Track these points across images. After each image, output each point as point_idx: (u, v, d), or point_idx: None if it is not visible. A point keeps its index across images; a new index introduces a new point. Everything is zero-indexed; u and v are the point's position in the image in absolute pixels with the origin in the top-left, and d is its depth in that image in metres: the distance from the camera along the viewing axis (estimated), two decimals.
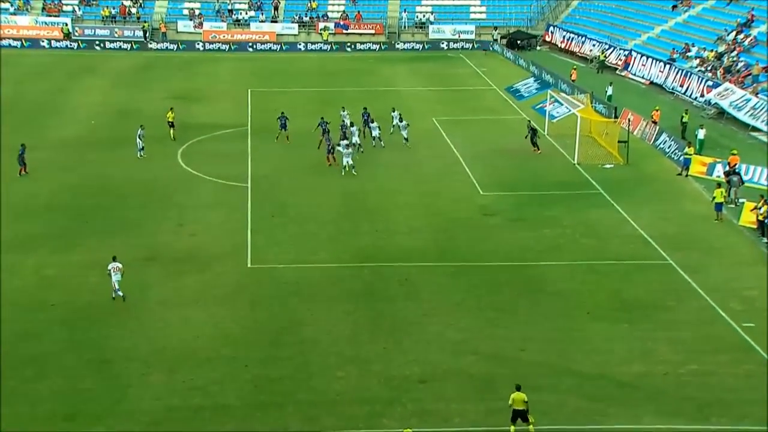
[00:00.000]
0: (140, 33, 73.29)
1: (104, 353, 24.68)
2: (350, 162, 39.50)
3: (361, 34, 74.83)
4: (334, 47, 72.72)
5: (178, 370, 23.81)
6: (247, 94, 55.42)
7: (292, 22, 75.53)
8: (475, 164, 41.32)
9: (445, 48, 73.75)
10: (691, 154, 39.58)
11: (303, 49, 72.89)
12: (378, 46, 73.28)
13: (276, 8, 76.77)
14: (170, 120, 44.88)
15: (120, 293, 27.48)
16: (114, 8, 75.55)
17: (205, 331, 25.86)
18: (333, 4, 78.18)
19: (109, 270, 27.52)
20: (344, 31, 75.10)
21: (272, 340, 25.47)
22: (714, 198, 34.92)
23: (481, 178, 39.45)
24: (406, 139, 43.26)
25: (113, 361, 24.26)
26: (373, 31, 75.59)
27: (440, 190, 38.16)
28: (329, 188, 38.07)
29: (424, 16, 76.93)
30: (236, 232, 33.07)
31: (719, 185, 35.82)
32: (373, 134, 43.84)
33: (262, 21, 75.42)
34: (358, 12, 76.56)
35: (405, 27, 76.74)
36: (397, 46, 73.80)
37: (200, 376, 23.54)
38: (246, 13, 76.20)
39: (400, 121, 44.44)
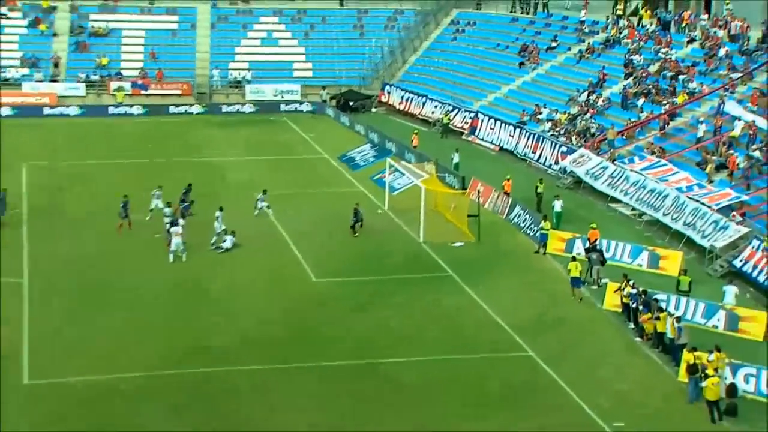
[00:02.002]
0: None
1: None
2: (180, 245, 39.65)
3: (164, 95, 74.71)
4: (143, 110, 72.14)
5: None
6: (22, 170, 53.61)
7: (78, 82, 74.33)
8: (306, 247, 41.85)
9: (301, 110, 74.78)
10: (547, 229, 41.62)
11: (106, 113, 71.79)
12: (197, 109, 73.45)
13: (56, 65, 75.29)
14: None
15: None
16: None
17: None
18: (128, 60, 77.79)
19: None
20: (143, 92, 74.74)
21: None
22: (569, 271, 36.87)
23: (313, 262, 39.98)
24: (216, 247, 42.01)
25: None
26: (179, 91, 75.68)
27: (266, 279, 38.33)
28: (118, 281, 37.63)
29: (239, 73, 77.94)
30: (10, 338, 31.78)
31: (574, 258, 37.78)
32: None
33: (38, 81, 73.68)
34: (160, 69, 76.50)
35: (218, 87, 77.34)
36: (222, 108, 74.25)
37: None
38: (17, 71, 74.21)
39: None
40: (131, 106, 72.83)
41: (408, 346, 32.16)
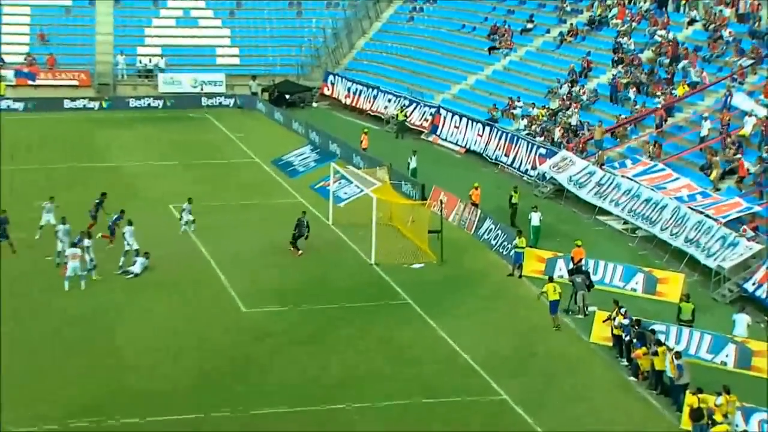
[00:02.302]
0: None
1: None
2: (77, 270, 39.34)
3: (57, 86, 74.18)
4: (31, 105, 71.53)
5: None
6: None
7: None
8: (234, 270, 41.78)
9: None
10: (523, 247, 41.83)
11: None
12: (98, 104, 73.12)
13: None
14: None
15: None
16: None
17: None
18: (11, 43, 77.17)
19: None
20: (30, 83, 74.22)
21: None
22: (544, 293, 37.08)
23: (243, 288, 39.90)
24: None
25: None
26: (75, 82, 75.20)
27: (184, 310, 38.18)
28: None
29: (150, 60, 77.61)
30: None
31: (551, 278, 38.09)
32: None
33: None
34: (51, 55, 75.96)
35: (123, 76, 76.91)
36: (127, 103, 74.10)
37: None
38: None
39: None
40: (15, 99, 72.19)
41: (359, 389, 32.10)
